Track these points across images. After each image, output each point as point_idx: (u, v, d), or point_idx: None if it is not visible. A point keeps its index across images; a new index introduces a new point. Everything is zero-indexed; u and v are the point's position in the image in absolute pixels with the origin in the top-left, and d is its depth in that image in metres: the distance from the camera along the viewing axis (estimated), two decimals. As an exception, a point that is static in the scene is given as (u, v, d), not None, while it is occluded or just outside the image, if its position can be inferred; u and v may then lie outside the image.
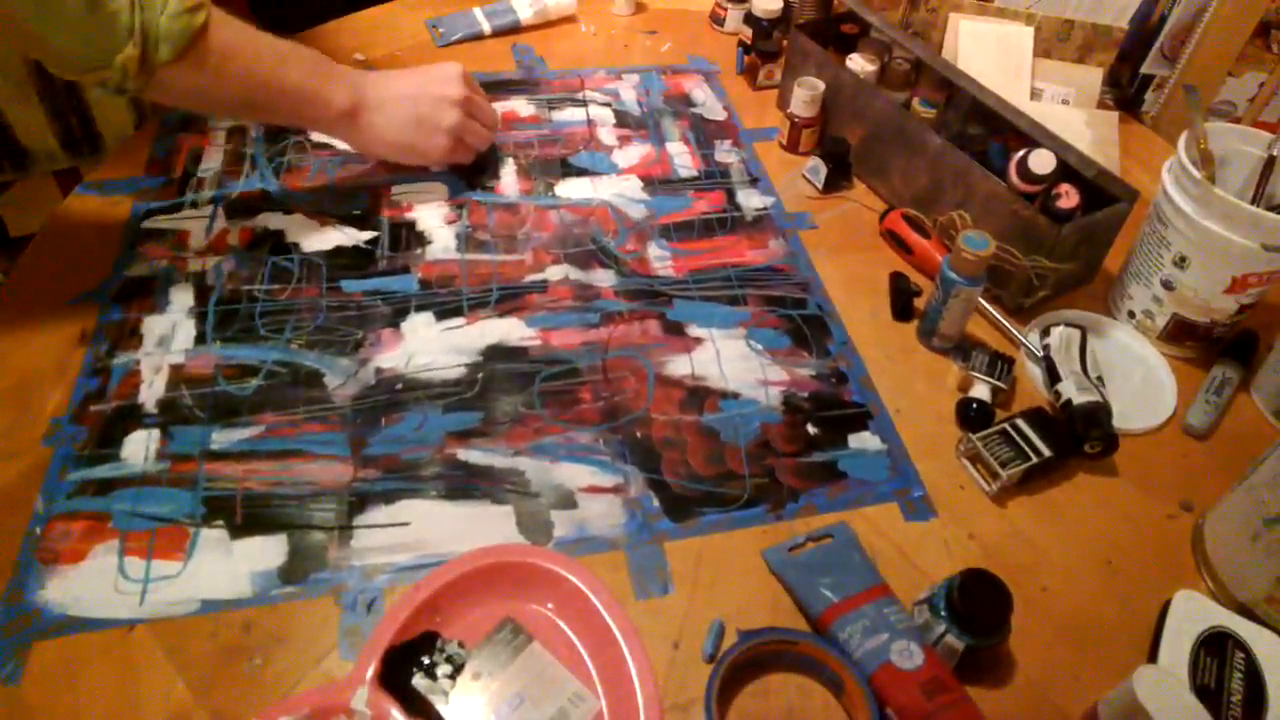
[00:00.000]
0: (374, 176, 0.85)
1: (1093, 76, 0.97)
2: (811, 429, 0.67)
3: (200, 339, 0.69)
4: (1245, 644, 0.56)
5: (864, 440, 0.67)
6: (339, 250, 0.78)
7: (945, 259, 0.70)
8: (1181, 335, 0.75)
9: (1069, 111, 0.96)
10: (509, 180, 0.86)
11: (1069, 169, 0.76)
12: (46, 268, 0.74)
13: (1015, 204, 0.74)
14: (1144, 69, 1.01)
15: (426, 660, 0.52)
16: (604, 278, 0.78)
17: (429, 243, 0.79)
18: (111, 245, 0.76)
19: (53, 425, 0.63)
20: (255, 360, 0.68)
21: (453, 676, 0.52)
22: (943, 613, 0.53)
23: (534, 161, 0.89)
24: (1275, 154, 0.71)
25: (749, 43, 1.02)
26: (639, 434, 0.66)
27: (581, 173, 0.88)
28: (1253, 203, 0.70)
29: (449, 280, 0.76)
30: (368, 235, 0.79)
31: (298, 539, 0.58)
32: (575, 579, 0.54)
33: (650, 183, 0.88)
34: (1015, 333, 0.74)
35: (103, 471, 0.61)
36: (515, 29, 1.07)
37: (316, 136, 0.88)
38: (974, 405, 0.68)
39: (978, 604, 0.52)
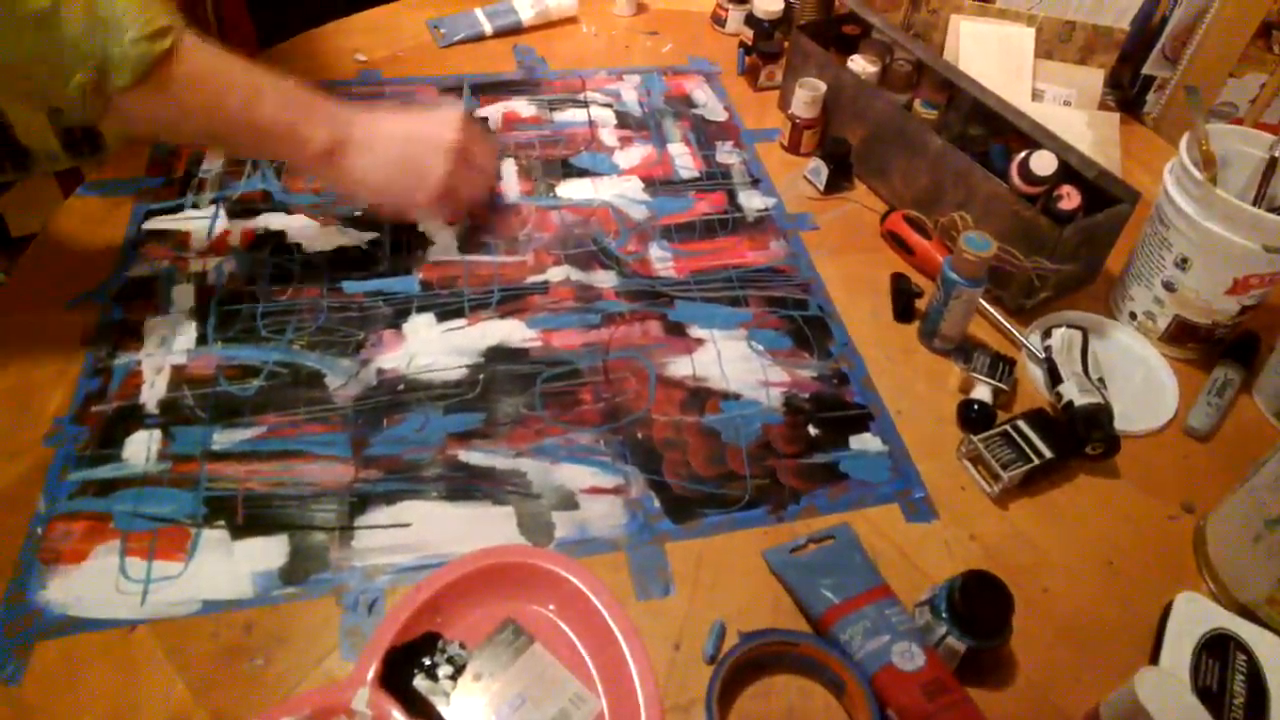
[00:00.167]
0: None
1: (1094, 78, 0.97)
2: (813, 430, 0.67)
3: (201, 339, 0.69)
4: (1247, 646, 0.56)
5: (865, 441, 0.67)
6: (340, 251, 0.78)
7: (946, 260, 0.70)
8: (1183, 336, 0.74)
9: (1070, 113, 0.96)
10: (510, 180, 0.86)
11: (1070, 170, 0.76)
12: (48, 268, 0.74)
13: (1016, 205, 0.74)
14: (1145, 70, 1.01)
15: (428, 661, 0.52)
16: (605, 279, 0.78)
17: (430, 244, 0.79)
18: (113, 246, 0.76)
19: (54, 425, 0.63)
20: (257, 361, 0.68)
21: (454, 677, 0.52)
22: (944, 614, 0.53)
23: (535, 162, 0.89)
24: (1277, 155, 0.71)
25: (750, 44, 1.02)
26: (640, 435, 0.66)
27: (583, 173, 0.88)
28: (1254, 204, 0.70)
29: (450, 281, 0.76)
30: (369, 236, 0.79)
31: (299, 540, 0.58)
32: (576, 580, 0.54)
33: (651, 184, 0.88)
34: (1016, 334, 0.74)
35: (104, 472, 0.61)
36: (516, 29, 1.07)
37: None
38: (975, 406, 0.68)
39: (979, 605, 0.52)
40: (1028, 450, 0.64)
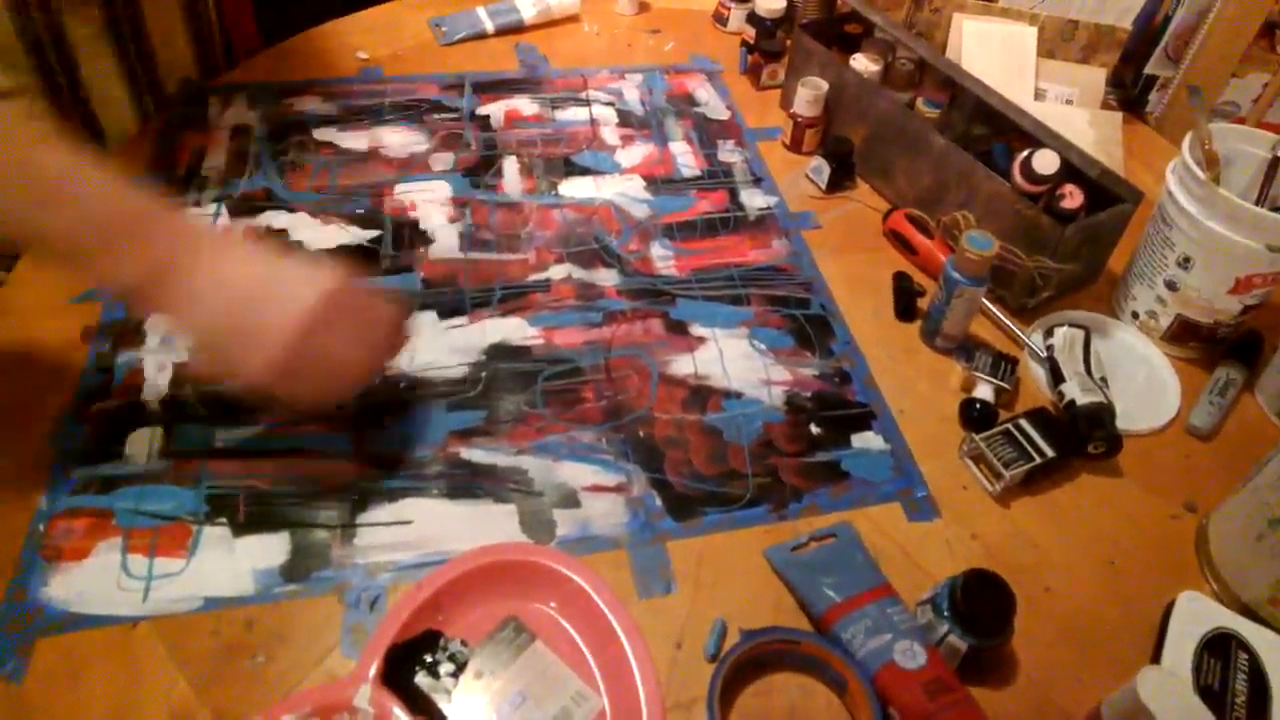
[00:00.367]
0: (377, 175, 0.85)
1: (1097, 77, 0.97)
2: (814, 429, 0.67)
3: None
4: (1249, 645, 0.55)
5: (867, 440, 0.67)
6: (342, 249, 0.78)
7: (949, 259, 0.70)
8: (1185, 336, 0.74)
9: (1073, 112, 0.95)
10: (511, 179, 0.86)
11: (1073, 169, 0.76)
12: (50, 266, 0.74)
13: (1019, 204, 0.74)
14: (1148, 70, 1.01)
15: (429, 659, 0.52)
16: (607, 277, 0.78)
17: (432, 241, 0.79)
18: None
19: (56, 423, 0.63)
20: (258, 358, 0.68)
21: (455, 675, 0.52)
22: (945, 613, 0.53)
23: (537, 160, 0.89)
24: (1279, 155, 0.71)
25: (752, 42, 1.02)
26: (642, 433, 0.66)
27: (584, 172, 0.88)
28: (1257, 203, 0.70)
29: (452, 279, 0.76)
30: (371, 234, 0.79)
31: (300, 537, 0.58)
32: (578, 578, 0.54)
33: (653, 182, 0.87)
34: (1019, 333, 0.74)
35: (106, 469, 0.61)
36: (518, 28, 1.07)
37: (320, 135, 0.88)
38: (977, 405, 0.68)
39: (980, 604, 0.52)
40: (1029, 449, 0.64)
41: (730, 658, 0.52)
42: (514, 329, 0.72)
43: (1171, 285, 0.72)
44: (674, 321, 0.74)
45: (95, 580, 0.55)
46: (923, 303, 0.77)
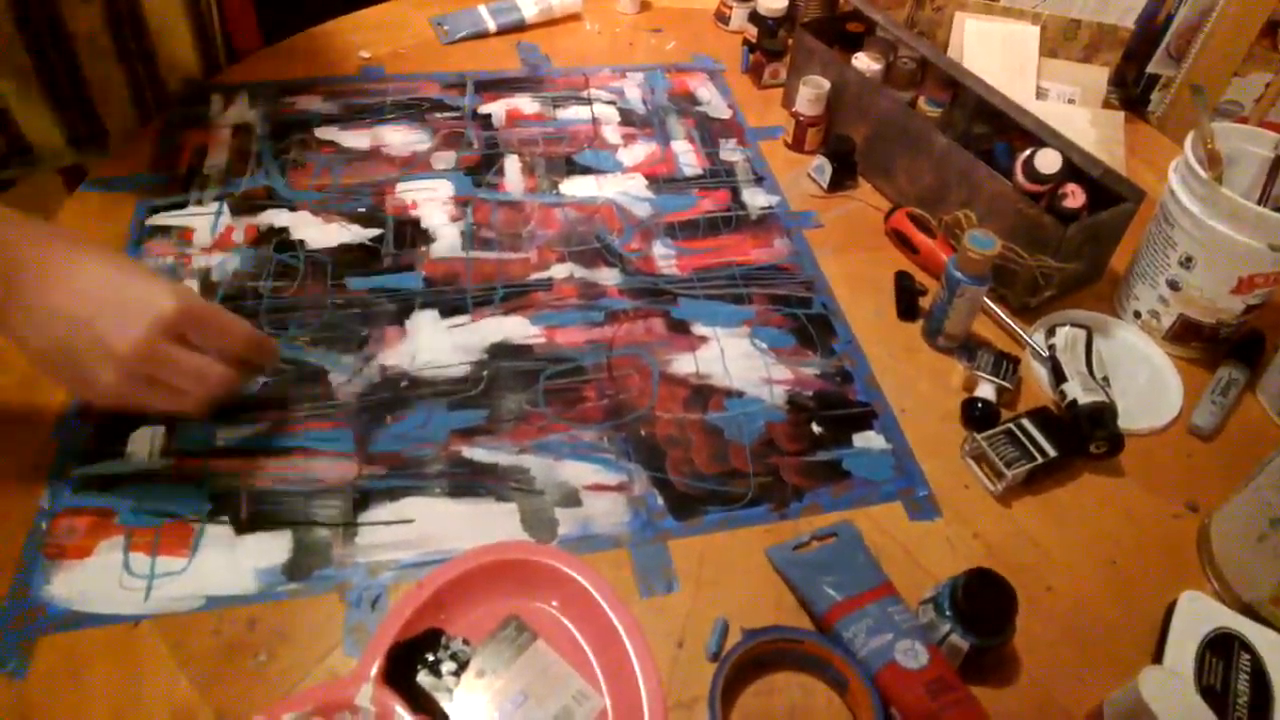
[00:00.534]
0: (379, 174, 0.85)
1: (1099, 76, 0.97)
2: (816, 428, 0.67)
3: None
4: (1251, 645, 0.55)
5: (868, 439, 0.67)
6: (344, 247, 0.78)
7: (951, 258, 0.70)
8: (1187, 335, 0.74)
9: (1074, 111, 0.95)
10: (513, 178, 0.86)
11: (1075, 169, 0.76)
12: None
13: (1021, 203, 0.74)
14: (1150, 69, 1.01)
15: (431, 657, 0.52)
16: (609, 276, 0.78)
17: (433, 240, 0.79)
18: (117, 242, 0.76)
19: (58, 421, 0.63)
20: (260, 357, 0.68)
21: (457, 674, 0.52)
22: (947, 612, 0.53)
23: (538, 159, 0.89)
24: (1282, 154, 0.71)
25: (754, 41, 1.02)
26: (643, 432, 0.66)
27: (586, 171, 0.88)
28: (1259, 203, 0.70)
29: (454, 278, 0.76)
30: (373, 232, 0.79)
31: (302, 535, 0.58)
32: (579, 577, 0.54)
33: (655, 181, 0.87)
34: (1021, 332, 0.74)
35: (108, 467, 0.61)
36: (520, 27, 1.07)
37: (321, 133, 0.88)
38: (979, 405, 0.68)
39: (982, 603, 0.52)
40: (1031, 449, 0.64)
41: (732, 657, 0.52)
42: (516, 328, 0.72)
43: (1174, 285, 0.72)
44: (676, 320, 0.74)
45: (97, 579, 0.55)
46: (924, 302, 0.77)
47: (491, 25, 1.06)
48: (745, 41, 1.04)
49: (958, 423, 0.69)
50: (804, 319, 0.76)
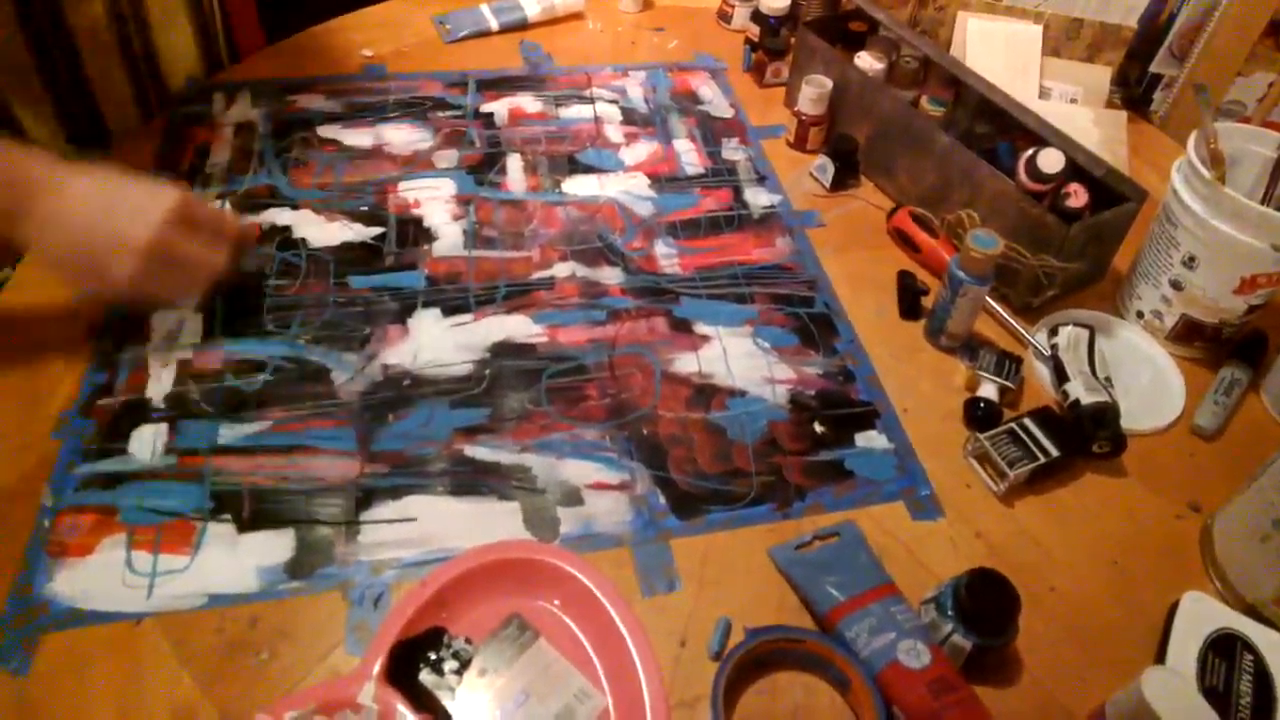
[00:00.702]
0: (381, 172, 0.85)
1: (1101, 75, 0.97)
2: (818, 427, 0.67)
3: (208, 334, 0.69)
4: (1254, 646, 0.55)
5: (871, 439, 0.67)
6: (346, 246, 0.78)
7: (953, 258, 0.70)
8: (1190, 335, 0.74)
9: (1077, 110, 0.95)
10: (515, 176, 0.86)
11: (1078, 168, 0.76)
12: (54, 262, 0.74)
13: (1023, 203, 0.74)
14: (1153, 68, 1.01)
15: (433, 656, 0.52)
16: (611, 275, 0.77)
17: (436, 239, 0.79)
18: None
19: (61, 419, 0.63)
20: (262, 355, 0.68)
21: (459, 672, 0.52)
22: (950, 612, 0.53)
23: (541, 158, 0.89)
24: (1286, 154, 0.71)
25: (756, 40, 1.02)
26: (645, 431, 0.66)
27: (588, 170, 0.88)
28: (1262, 203, 0.70)
29: (456, 276, 0.76)
30: (375, 231, 0.79)
31: (304, 534, 0.58)
32: (582, 576, 0.54)
33: (657, 180, 0.87)
34: (1023, 332, 0.74)
35: (110, 465, 0.61)
36: (522, 25, 1.07)
37: (324, 132, 0.88)
38: (981, 404, 0.68)
39: (985, 603, 0.52)
40: (1034, 448, 0.64)
41: (734, 656, 0.52)
42: (518, 327, 0.72)
43: (1176, 285, 0.72)
44: (678, 320, 0.74)
45: (100, 577, 0.55)
46: (927, 301, 0.77)
47: (494, 24, 1.06)
48: (747, 40, 1.04)
49: (960, 422, 0.69)
50: (806, 318, 0.76)
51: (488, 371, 0.69)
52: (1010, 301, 0.77)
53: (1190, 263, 0.70)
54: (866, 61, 0.92)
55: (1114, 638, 0.58)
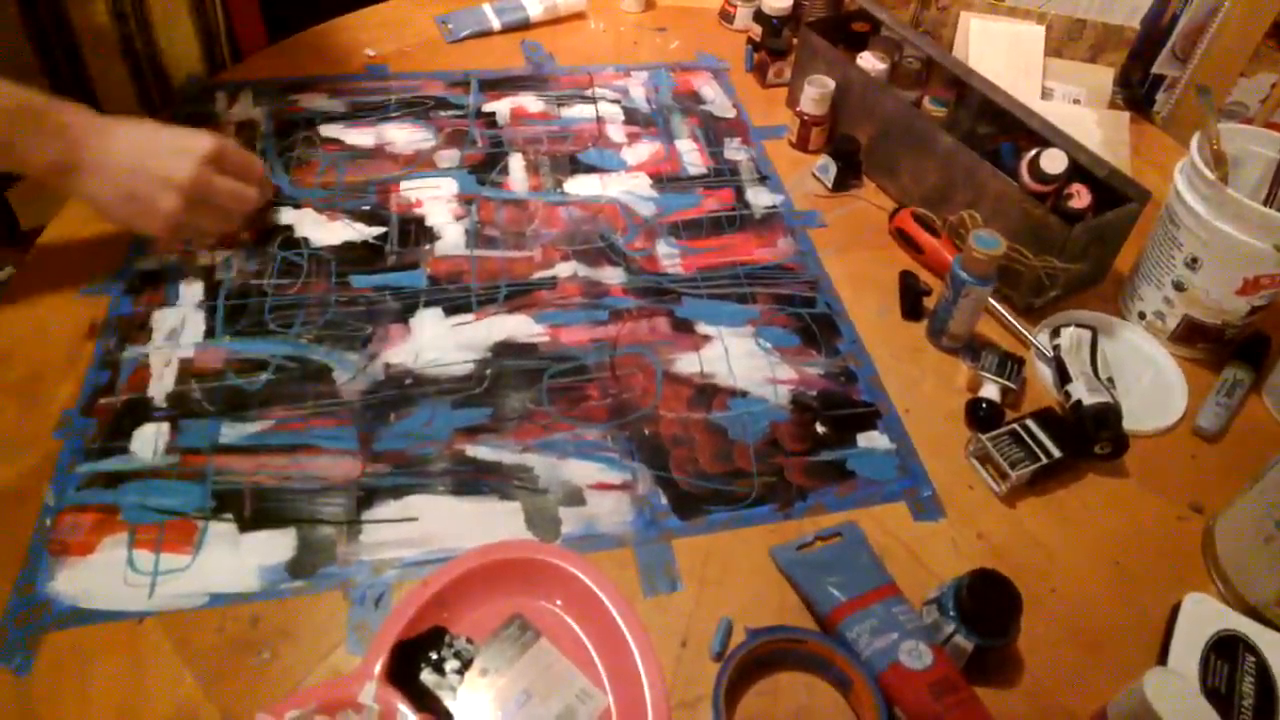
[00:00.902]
0: (383, 172, 0.85)
1: (1104, 76, 0.97)
2: (820, 428, 0.67)
3: (210, 333, 0.69)
4: (1256, 647, 0.55)
5: (873, 439, 0.67)
6: (348, 245, 0.78)
7: (956, 258, 0.70)
8: (1192, 337, 0.74)
9: (1080, 111, 0.95)
10: (517, 176, 0.86)
11: (1080, 169, 0.76)
12: (57, 260, 0.74)
13: (1026, 203, 0.74)
14: (1155, 69, 1.01)
15: (435, 655, 0.52)
16: (613, 275, 0.77)
17: (438, 238, 0.79)
18: (122, 239, 0.76)
19: (63, 417, 0.63)
20: (264, 354, 0.68)
21: (460, 672, 0.52)
22: (951, 613, 0.53)
23: (543, 158, 0.88)
24: (1289, 155, 0.71)
25: (758, 40, 1.02)
26: (647, 431, 0.66)
27: (590, 169, 0.88)
28: (1265, 204, 0.70)
29: (458, 276, 0.76)
30: (377, 230, 0.79)
31: (306, 533, 0.58)
32: (583, 576, 0.54)
33: (659, 180, 0.87)
34: (1025, 333, 0.74)
35: (112, 464, 0.61)
36: (525, 25, 1.07)
37: (326, 131, 0.88)
38: (983, 405, 0.68)
39: (986, 604, 0.52)
40: (1036, 449, 0.64)
41: (735, 656, 0.52)
42: (520, 326, 0.72)
43: (1179, 286, 0.72)
44: (679, 320, 0.74)
45: (101, 576, 0.55)
46: (929, 302, 0.77)
47: (496, 24, 1.06)
48: (749, 40, 1.04)
49: (962, 423, 0.69)
50: (808, 318, 0.75)
51: (489, 371, 0.69)
52: (1012, 302, 0.77)
53: (1193, 264, 0.70)
54: (869, 62, 0.92)
55: (1116, 639, 0.58)
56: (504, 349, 0.70)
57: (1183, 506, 0.65)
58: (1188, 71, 0.99)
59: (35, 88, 0.65)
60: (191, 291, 0.72)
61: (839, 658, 0.52)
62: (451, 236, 0.79)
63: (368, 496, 0.60)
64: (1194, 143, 0.70)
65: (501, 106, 0.94)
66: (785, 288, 0.78)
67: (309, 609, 0.55)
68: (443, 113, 0.92)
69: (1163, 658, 0.56)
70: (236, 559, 0.57)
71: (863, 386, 0.71)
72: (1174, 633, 0.56)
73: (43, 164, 0.65)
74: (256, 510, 0.59)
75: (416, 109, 0.92)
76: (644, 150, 0.91)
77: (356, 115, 0.91)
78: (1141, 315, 0.77)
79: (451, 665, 0.52)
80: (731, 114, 0.97)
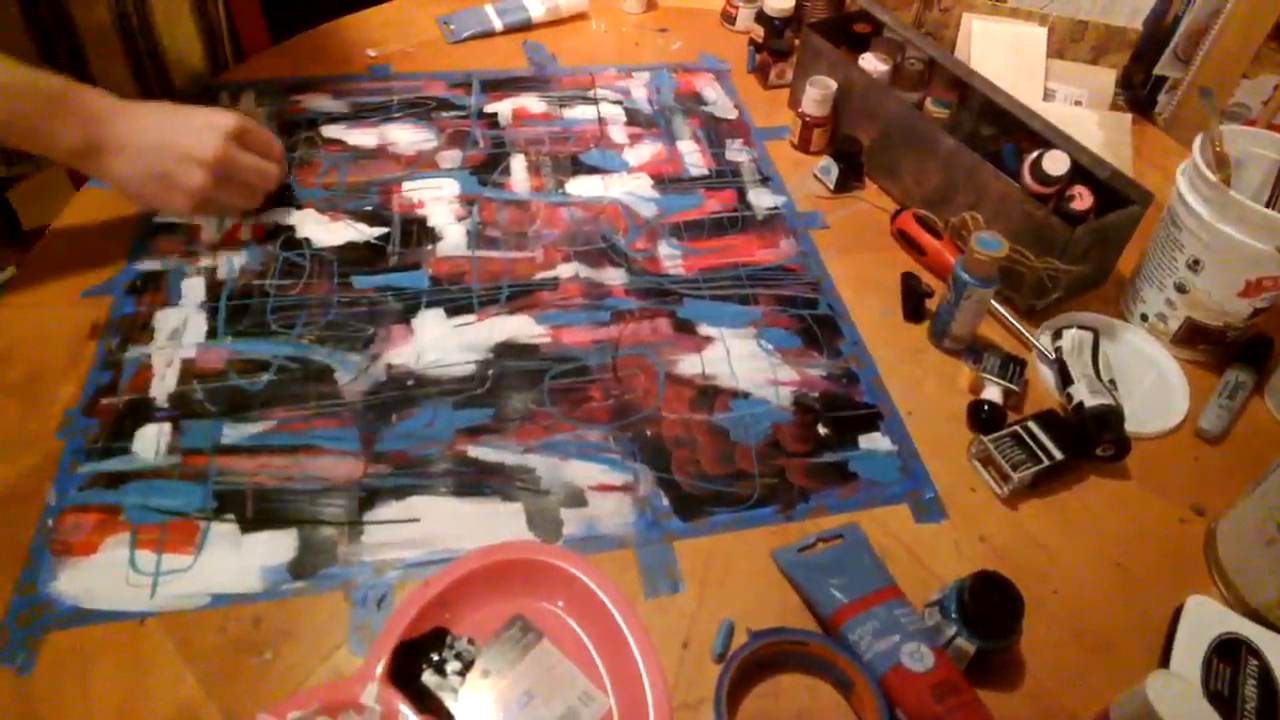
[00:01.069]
0: (385, 172, 0.85)
1: (1106, 78, 0.97)
2: (822, 429, 0.67)
3: (211, 333, 0.69)
4: (1259, 651, 0.55)
5: (875, 441, 0.67)
6: (350, 246, 0.78)
7: (958, 260, 0.70)
8: (1194, 339, 0.74)
9: (1082, 113, 0.95)
10: (520, 177, 0.86)
11: (1082, 170, 0.76)
12: (59, 261, 0.74)
13: (1028, 205, 0.74)
14: (1157, 71, 1.01)
15: (436, 657, 0.52)
16: (614, 276, 0.77)
17: (439, 239, 0.79)
18: (124, 239, 0.76)
19: (65, 418, 0.63)
20: (266, 355, 0.68)
21: (462, 673, 0.52)
22: (953, 615, 0.53)
23: (544, 159, 0.89)
24: (1291, 157, 0.71)
25: (760, 41, 1.02)
26: (649, 432, 0.66)
27: (592, 170, 0.88)
28: (1268, 206, 0.70)
29: (459, 277, 0.76)
30: (379, 231, 0.79)
31: (308, 534, 0.58)
32: (585, 577, 0.54)
33: (661, 181, 0.87)
34: (1027, 335, 0.74)
35: (114, 464, 0.61)
36: (526, 26, 1.07)
37: (328, 132, 0.88)
38: (985, 407, 0.68)
39: (988, 606, 0.52)
40: (1038, 451, 0.64)
41: (737, 658, 0.52)
42: (521, 327, 0.72)
43: (1181, 288, 0.72)
44: (681, 321, 0.74)
45: (103, 576, 0.55)
46: (931, 303, 0.77)
47: (498, 24, 1.06)
48: (751, 42, 1.04)
49: (964, 425, 0.69)
50: (810, 320, 0.75)
51: (491, 372, 0.69)
52: (1014, 304, 0.77)
53: (1195, 266, 0.70)
54: (871, 63, 0.92)
55: (1118, 641, 0.57)
56: (506, 350, 0.70)
57: (1185, 509, 0.65)
58: (1190, 73, 0.98)
59: (58, 74, 0.66)
60: (193, 292, 0.72)
61: (841, 660, 0.52)
62: (453, 237, 0.79)
63: (369, 497, 0.60)
64: (1196, 144, 0.70)
65: (503, 107, 0.94)
66: (787, 289, 0.78)
67: (311, 610, 0.55)
68: (445, 113, 0.92)
69: (1165, 660, 0.56)
70: (238, 559, 0.57)
71: (864, 388, 0.71)
72: (1176, 635, 0.56)
73: (70, 147, 0.67)
74: (258, 511, 0.59)
75: (418, 110, 0.92)
76: (646, 151, 0.91)
77: (358, 116, 0.91)
78: (1143, 317, 0.77)
79: (453, 666, 0.52)
80: (733, 115, 0.97)
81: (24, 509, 0.58)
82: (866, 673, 0.51)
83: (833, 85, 0.89)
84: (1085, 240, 0.72)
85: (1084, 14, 0.95)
